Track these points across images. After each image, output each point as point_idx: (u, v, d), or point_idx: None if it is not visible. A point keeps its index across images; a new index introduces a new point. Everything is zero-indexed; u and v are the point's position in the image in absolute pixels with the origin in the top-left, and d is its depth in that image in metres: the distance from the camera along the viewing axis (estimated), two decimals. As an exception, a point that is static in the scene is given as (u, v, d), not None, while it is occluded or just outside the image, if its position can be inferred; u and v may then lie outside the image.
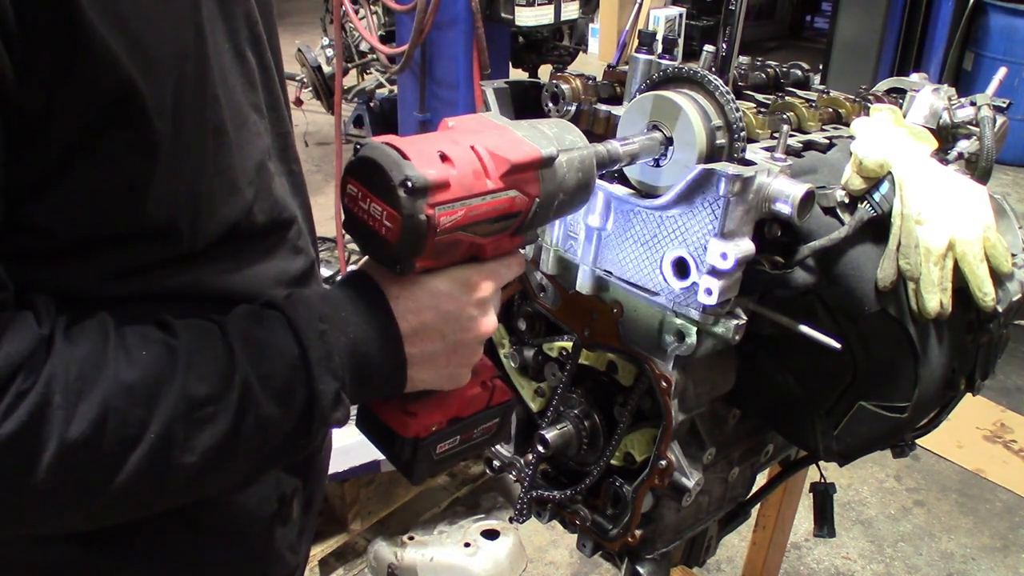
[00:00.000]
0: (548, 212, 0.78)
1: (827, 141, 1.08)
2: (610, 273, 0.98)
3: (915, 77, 1.26)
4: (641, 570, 1.14)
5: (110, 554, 0.83)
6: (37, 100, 0.61)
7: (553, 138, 0.77)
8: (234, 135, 0.76)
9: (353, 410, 0.86)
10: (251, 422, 0.70)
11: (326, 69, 4.47)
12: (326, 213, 4.51)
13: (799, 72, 1.36)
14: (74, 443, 0.62)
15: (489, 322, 0.81)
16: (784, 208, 0.87)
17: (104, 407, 0.63)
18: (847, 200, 0.95)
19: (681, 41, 7.03)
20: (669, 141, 0.91)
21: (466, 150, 0.73)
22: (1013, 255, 0.98)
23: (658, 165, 0.93)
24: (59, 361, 0.63)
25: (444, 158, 0.71)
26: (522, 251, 0.85)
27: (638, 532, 1.09)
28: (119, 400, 0.64)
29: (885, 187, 0.93)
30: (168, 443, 0.66)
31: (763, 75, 1.32)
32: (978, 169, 1.13)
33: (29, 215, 0.66)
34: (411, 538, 2.46)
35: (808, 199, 0.87)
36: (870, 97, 1.24)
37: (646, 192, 0.95)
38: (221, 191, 0.75)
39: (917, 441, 1.20)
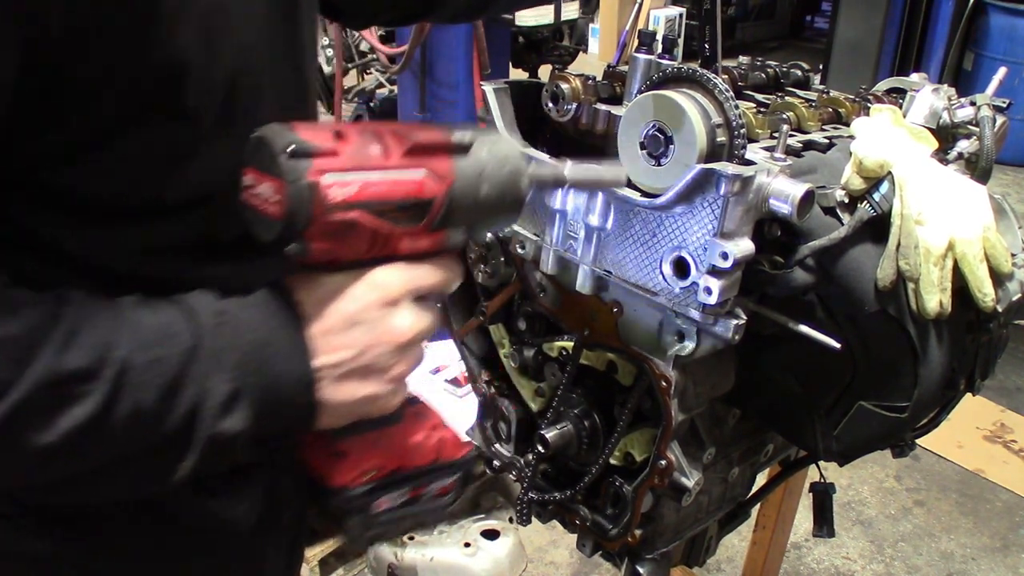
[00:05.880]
0: (471, 205, 0.71)
1: (827, 141, 1.08)
2: (610, 273, 0.98)
3: (915, 77, 1.26)
4: (641, 570, 1.14)
5: (94, 549, 0.82)
6: (95, 67, 0.61)
7: (473, 132, 0.72)
8: None
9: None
10: (125, 410, 0.63)
11: (326, 69, 4.47)
12: (326, 213, 4.50)
13: (799, 72, 1.36)
14: None
15: (401, 326, 0.72)
16: (784, 208, 0.87)
17: None
18: (847, 200, 0.95)
19: (681, 41, 7.03)
20: (669, 140, 0.91)
21: (363, 129, 0.68)
22: (1013, 255, 0.97)
23: (659, 164, 0.93)
24: None
25: (338, 135, 0.67)
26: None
27: (638, 532, 1.09)
28: None
29: (885, 187, 0.93)
30: (28, 413, 0.60)
31: (763, 75, 1.32)
32: (978, 169, 1.13)
33: (66, 177, 0.66)
34: (411, 538, 2.46)
35: (808, 199, 0.87)
36: (870, 97, 1.24)
37: (646, 191, 0.95)
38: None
39: (917, 441, 1.20)
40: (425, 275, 0.73)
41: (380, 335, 0.71)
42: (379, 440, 0.75)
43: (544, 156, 1.03)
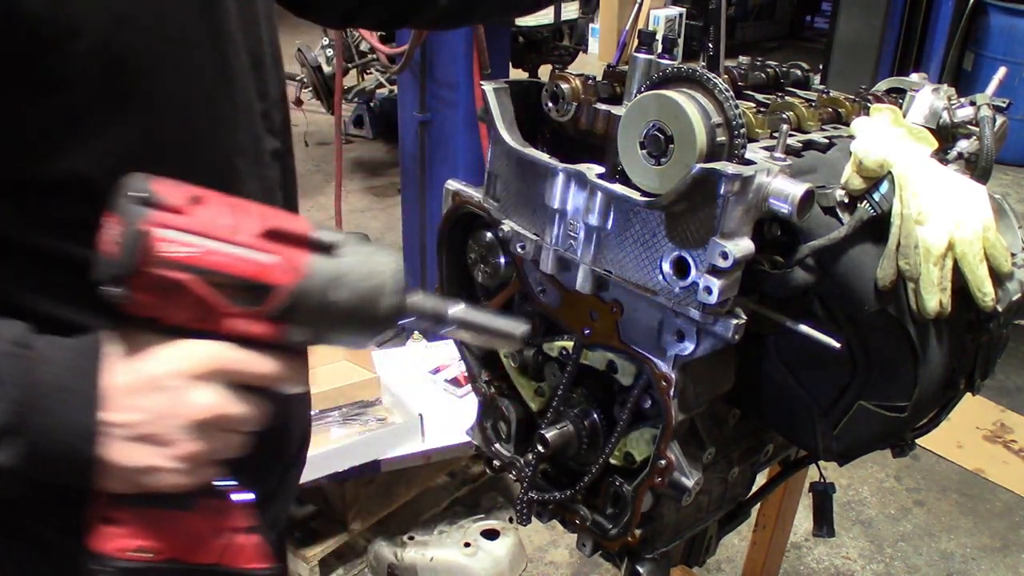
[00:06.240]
0: (317, 307, 0.69)
1: (827, 141, 1.08)
2: (610, 273, 0.98)
3: (915, 77, 1.26)
4: (641, 570, 1.14)
5: (30, 552, 0.82)
6: None
7: (345, 237, 0.71)
8: (204, 124, 0.77)
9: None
10: None
11: (326, 69, 4.48)
12: (326, 213, 4.51)
13: (799, 72, 1.36)
14: None
15: (199, 403, 0.68)
16: (784, 208, 0.87)
17: None
18: (847, 200, 0.95)
19: (681, 41, 7.03)
20: (669, 140, 0.91)
21: (225, 200, 0.68)
22: (1013, 255, 0.98)
23: (659, 164, 0.93)
24: None
25: (196, 199, 0.66)
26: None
27: (638, 532, 1.09)
28: None
29: (885, 187, 0.93)
30: None
31: (763, 75, 1.32)
32: (978, 169, 1.13)
33: None
34: (411, 538, 2.46)
35: (808, 199, 0.87)
36: (870, 97, 1.24)
37: (646, 191, 0.95)
38: (158, 169, 0.73)
39: (917, 441, 1.20)
40: (248, 361, 0.70)
41: (175, 407, 0.68)
42: (158, 521, 0.70)
43: (543, 156, 1.04)
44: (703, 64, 1.11)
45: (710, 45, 1.08)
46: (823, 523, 1.45)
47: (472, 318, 0.78)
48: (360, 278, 0.70)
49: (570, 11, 3.60)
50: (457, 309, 0.77)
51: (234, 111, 0.85)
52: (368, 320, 0.71)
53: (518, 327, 0.80)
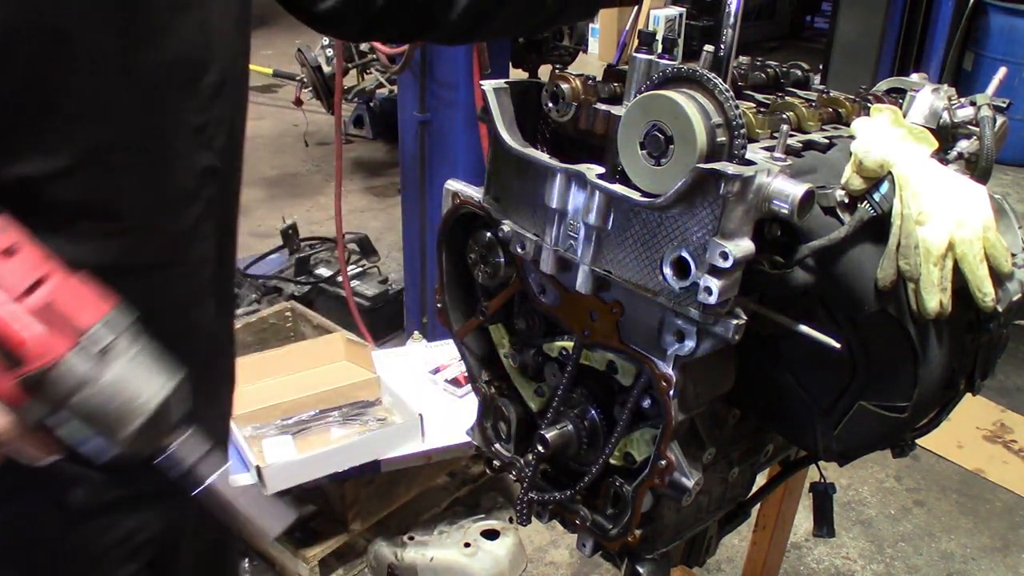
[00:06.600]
0: (58, 399, 0.70)
1: (827, 141, 1.08)
2: (610, 273, 0.98)
3: (915, 77, 1.26)
4: (641, 570, 1.14)
5: None
6: None
7: (117, 345, 0.71)
8: (73, 111, 0.78)
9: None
10: None
11: (326, 69, 4.47)
12: (326, 213, 4.51)
13: (799, 72, 1.36)
14: None
15: None
16: (784, 208, 0.87)
17: None
18: (847, 200, 0.95)
19: (681, 41, 7.02)
20: (669, 140, 0.91)
21: (38, 261, 0.70)
22: (1013, 255, 0.98)
23: (659, 164, 0.93)
24: None
25: (8, 251, 0.69)
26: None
27: (638, 532, 1.09)
28: None
29: (885, 187, 0.93)
30: None
31: (763, 75, 1.32)
32: (978, 169, 1.13)
33: None
34: (411, 538, 2.46)
35: (808, 199, 0.87)
36: (870, 97, 1.24)
37: (646, 191, 0.95)
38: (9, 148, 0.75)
39: (917, 441, 1.20)
40: None
41: None
42: None
43: (542, 156, 1.03)
44: (708, 67, 1.11)
45: (721, 46, 1.08)
46: (823, 523, 1.45)
47: (218, 498, 0.76)
48: (111, 394, 0.70)
49: (570, 11, 3.60)
50: (214, 478, 0.76)
51: (128, 108, 0.84)
52: (108, 434, 0.72)
53: (273, 527, 0.79)
